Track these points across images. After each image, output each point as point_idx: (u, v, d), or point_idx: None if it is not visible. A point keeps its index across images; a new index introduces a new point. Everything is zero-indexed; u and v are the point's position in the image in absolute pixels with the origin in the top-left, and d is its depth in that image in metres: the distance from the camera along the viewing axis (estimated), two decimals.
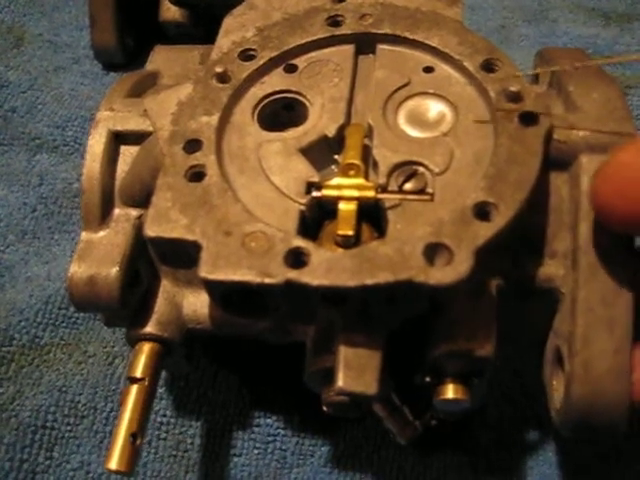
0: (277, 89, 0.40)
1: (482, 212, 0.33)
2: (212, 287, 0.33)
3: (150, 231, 0.34)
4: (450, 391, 0.36)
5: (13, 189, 0.60)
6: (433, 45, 0.40)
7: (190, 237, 0.34)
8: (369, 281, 0.32)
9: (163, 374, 0.50)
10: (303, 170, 0.37)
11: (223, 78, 0.40)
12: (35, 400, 0.49)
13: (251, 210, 0.35)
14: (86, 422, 0.48)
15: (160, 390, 0.49)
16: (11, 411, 0.48)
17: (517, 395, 0.48)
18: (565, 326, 0.35)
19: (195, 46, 0.50)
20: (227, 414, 0.49)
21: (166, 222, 0.34)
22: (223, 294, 0.33)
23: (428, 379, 0.37)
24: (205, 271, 0.32)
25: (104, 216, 0.41)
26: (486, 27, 0.69)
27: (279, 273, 0.32)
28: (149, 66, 0.49)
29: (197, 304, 0.40)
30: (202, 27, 0.63)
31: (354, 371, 0.33)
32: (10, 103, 0.65)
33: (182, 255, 0.35)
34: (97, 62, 0.68)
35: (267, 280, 0.32)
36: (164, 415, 0.49)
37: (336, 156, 0.38)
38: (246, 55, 0.41)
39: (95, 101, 0.64)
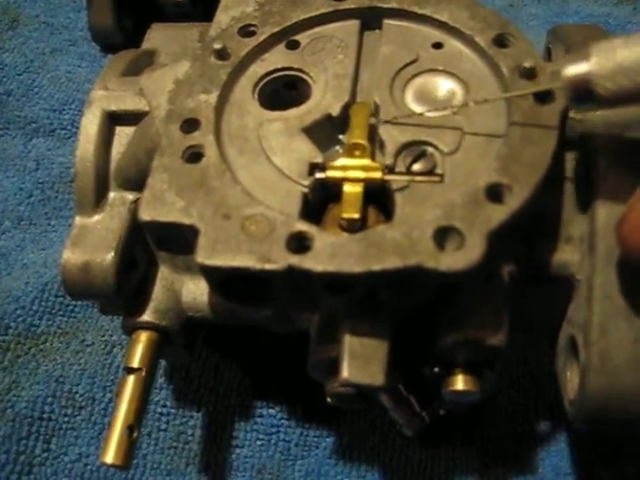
0: (279, 66, 0.39)
1: (495, 194, 0.32)
2: (210, 273, 0.32)
3: (145, 215, 0.33)
4: (460, 382, 0.34)
5: (9, 174, 0.59)
6: (442, 20, 0.39)
7: (187, 221, 0.32)
8: (376, 267, 0.30)
9: (163, 363, 0.48)
10: (306, 150, 0.36)
11: (222, 55, 0.38)
12: (32, 391, 0.48)
13: (251, 192, 0.34)
14: (84, 413, 0.47)
15: (160, 380, 0.48)
16: (7, 402, 0.47)
17: (528, 385, 0.47)
18: (580, 314, 0.34)
19: (194, 24, 0.48)
20: (229, 404, 0.48)
21: (162, 205, 0.33)
22: (221, 281, 0.32)
23: (437, 370, 0.35)
24: (202, 256, 0.31)
25: (99, 200, 0.39)
26: (494, 6, 0.66)
27: (281, 258, 0.31)
28: (146, 44, 0.47)
29: (197, 291, 0.39)
30: (201, 6, 0.61)
31: (359, 361, 0.32)
32: (5, 86, 0.63)
33: (179, 240, 0.34)
34: (95, 44, 0.66)
35: (268, 266, 0.31)
36: (164, 406, 0.48)
37: (341, 136, 0.37)
38: (246, 31, 0.39)
39: (93, 84, 0.62)
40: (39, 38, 0.67)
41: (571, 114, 0.35)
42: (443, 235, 0.31)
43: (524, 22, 0.67)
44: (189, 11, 0.62)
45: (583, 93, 0.31)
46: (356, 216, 0.33)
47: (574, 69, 0.30)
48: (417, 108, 0.37)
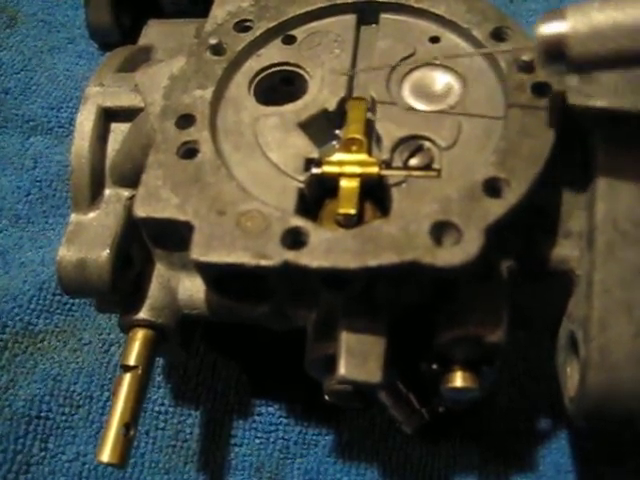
0: (275, 61, 0.39)
1: (492, 188, 0.32)
2: (205, 270, 0.32)
3: (139, 211, 0.33)
4: (459, 379, 0.34)
5: (6, 172, 0.58)
6: (439, 13, 0.39)
7: (182, 217, 0.32)
8: (372, 262, 0.30)
9: (161, 362, 0.48)
10: (302, 146, 0.35)
11: (218, 50, 0.38)
12: (29, 389, 0.47)
13: (247, 188, 0.33)
14: (82, 412, 0.47)
15: (158, 378, 0.48)
16: (4, 401, 0.47)
17: (528, 382, 0.47)
18: (580, 310, 0.33)
19: (190, 20, 0.48)
20: (227, 402, 0.47)
21: (156, 201, 0.33)
22: (217, 277, 0.32)
23: (435, 366, 0.35)
24: (197, 253, 0.31)
25: (94, 197, 0.39)
26: (493, 1, 0.67)
27: (276, 254, 0.30)
28: (142, 41, 0.47)
29: (193, 289, 0.39)
30: (200, 4, 0.60)
31: (357, 358, 0.32)
32: (3, 84, 0.63)
33: (174, 237, 0.34)
34: (92, 42, 0.66)
35: (263, 262, 0.30)
36: (162, 404, 0.47)
37: (337, 131, 0.37)
38: (242, 26, 0.39)
39: None
40: (37, 36, 0.67)
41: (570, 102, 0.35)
42: (440, 230, 0.31)
43: (524, 18, 0.66)
44: (188, 9, 0.61)
45: (555, 54, 0.30)
46: (352, 211, 0.32)
47: (548, 29, 0.29)
48: (414, 102, 0.36)
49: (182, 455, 0.46)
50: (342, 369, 0.32)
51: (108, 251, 0.37)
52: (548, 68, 0.31)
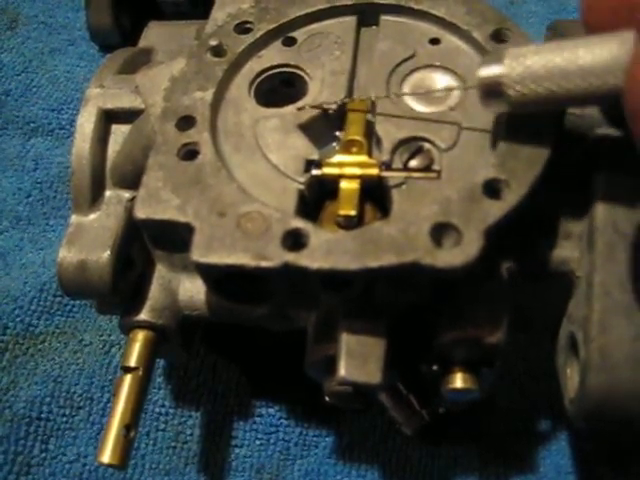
0: (275, 63, 0.39)
1: (492, 190, 0.32)
2: (205, 271, 0.32)
3: (140, 212, 0.33)
4: (459, 380, 0.34)
5: (7, 174, 0.58)
6: (439, 15, 0.38)
7: (182, 218, 0.32)
8: (372, 264, 0.30)
9: (161, 363, 0.48)
10: (302, 147, 0.35)
11: (218, 52, 0.38)
12: (30, 391, 0.48)
13: (247, 190, 0.33)
14: (82, 413, 0.47)
15: (158, 379, 0.48)
16: (5, 402, 0.47)
17: (528, 382, 0.47)
18: (580, 311, 0.33)
19: (191, 21, 0.48)
20: (228, 404, 0.47)
21: (157, 203, 0.33)
22: (217, 279, 0.32)
23: (435, 368, 0.35)
24: (197, 254, 0.31)
25: (95, 198, 0.39)
26: (494, 3, 0.66)
27: (276, 256, 0.30)
28: (142, 42, 0.47)
29: (193, 290, 0.39)
30: (201, 5, 0.60)
31: (357, 360, 0.32)
32: (4, 86, 0.63)
33: (175, 238, 0.34)
34: (93, 44, 0.66)
35: (263, 263, 0.30)
36: (162, 405, 0.47)
37: (337, 132, 0.36)
38: (242, 28, 0.39)
39: None
40: (38, 38, 0.67)
41: (570, 109, 0.35)
42: (440, 231, 0.31)
43: (524, 19, 0.67)
44: (188, 11, 0.61)
45: (493, 94, 0.31)
46: (353, 213, 0.32)
47: (486, 71, 0.31)
48: (414, 104, 0.36)
49: (182, 456, 0.46)
50: (342, 370, 0.32)
51: (109, 252, 0.37)
52: (490, 107, 0.32)
